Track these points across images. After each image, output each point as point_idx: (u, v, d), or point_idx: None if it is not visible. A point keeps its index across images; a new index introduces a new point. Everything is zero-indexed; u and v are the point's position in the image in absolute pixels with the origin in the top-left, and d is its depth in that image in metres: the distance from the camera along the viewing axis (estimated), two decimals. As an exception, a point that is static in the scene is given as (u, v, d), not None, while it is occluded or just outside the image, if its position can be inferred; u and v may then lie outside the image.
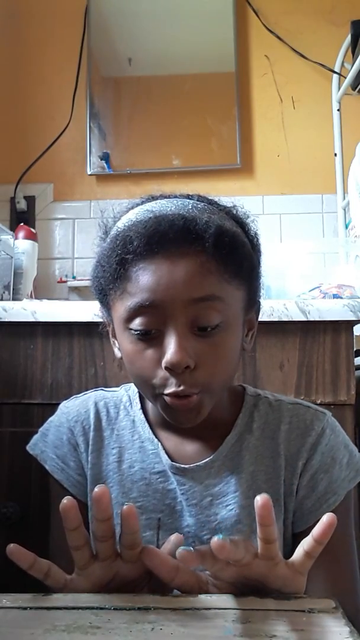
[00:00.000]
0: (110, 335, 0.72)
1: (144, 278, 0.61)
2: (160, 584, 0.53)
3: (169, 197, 0.68)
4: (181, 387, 0.60)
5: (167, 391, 0.61)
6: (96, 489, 0.50)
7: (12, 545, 0.50)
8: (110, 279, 0.64)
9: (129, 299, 0.62)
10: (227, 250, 0.61)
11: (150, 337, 0.62)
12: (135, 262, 0.61)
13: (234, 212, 0.68)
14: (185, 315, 0.60)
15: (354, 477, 0.70)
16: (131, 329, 0.62)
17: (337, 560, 0.67)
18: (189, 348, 0.60)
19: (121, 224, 0.66)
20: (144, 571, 0.53)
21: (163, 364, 0.60)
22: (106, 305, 0.68)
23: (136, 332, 0.62)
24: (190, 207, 0.64)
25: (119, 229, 0.65)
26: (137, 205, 0.68)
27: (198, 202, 0.66)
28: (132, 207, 0.68)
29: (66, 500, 0.50)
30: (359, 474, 0.71)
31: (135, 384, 0.70)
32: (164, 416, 0.66)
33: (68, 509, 0.50)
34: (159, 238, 0.60)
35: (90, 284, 0.70)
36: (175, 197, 0.68)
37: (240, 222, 0.68)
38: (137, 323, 0.62)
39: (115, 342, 0.70)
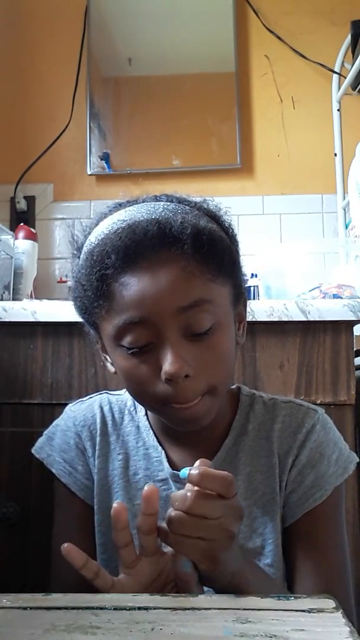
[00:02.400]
0: (101, 352, 0.70)
1: (128, 293, 0.59)
2: (187, 591, 0.55)
3: (136, 201, 0.66)
4: (184, 395, 0.60)
5: (171, 401, 0.60)
6: (146, 488, 0.55)
7: (67, 545, 0.53)
8: (92, 297, 0.61)
9: (116, 317, 0.60)
10: (206, 249, 0.60)
11: (144, 351, 0.60)
12: (116, 277, 0.59)
13: (205, 206, 0.67)
14: (176, 324, 0.59)
15: (342, 474, 0.70)
16: (123, 346, 0.61)
17: (326, 555, 0.68)
18: (186, 355, 0.59)
19: (94, 238, 0.64)
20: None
21: (162, 376, 0.59)
22: (92, 324, 0.66)
23: (129, 349, 0.61)
24: (161, 210, 0.62)
25: (92, 244, 0.63)
26: (106, 215, 0.66)
27: (168, 203, 0.64)
28: (101, 219, 0.66)
29: (117, 504, 0.55)
30: (347, 471, 0.71)
31: (134, 398, 0.69)
32: (170, 425, 0.66)
33: (120, 512, 0.55)
34: (136, 247, 0.59)
35: (73, 305, 0.67)
36: (144, 200, 0.66)
37: (214, 216, 0.66)
38: (128, 340, 0.60)
39: (107, 357, 0.68)
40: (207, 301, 0.60)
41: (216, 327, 0.61)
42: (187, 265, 0.59)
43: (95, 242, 0.63)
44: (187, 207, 0.65)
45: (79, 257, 0.66)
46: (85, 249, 0.65)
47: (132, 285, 0.59)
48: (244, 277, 0.70)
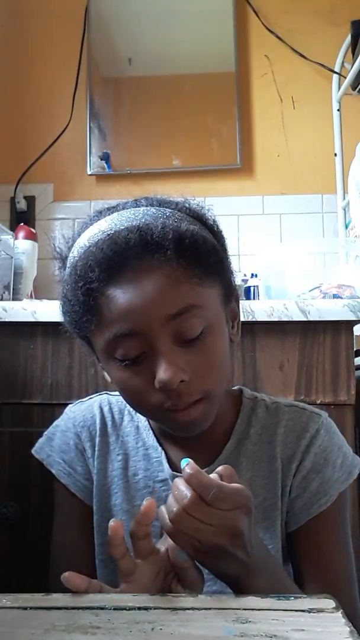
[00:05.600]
0: (97, 362, 0.69)
1: (115, 306, 0.58)
2: (189, 578, 0.56)
3: (116, 208, 0.65)
4: (181, 399, 0.59)
5: (166, 406, 0.60)
6: (145, 502, 0.56)
7: (67, 573, 0.52)
8: (81, 312, 0.61)
9: (105, 331, 0.60)
10: (190, 253, 0.59)
11: (138, 362, 0.60)
12: (102, 290, 0.59)
13: (187, 205, 0.66)
14: (167, 332, 0.58)
15: (347, 479, 0.70)
16: (116, 358, 0.61)
17: (331, 561, 0.67)
18: (180, 362, 0.58)
19: (76, 251, 0.63)
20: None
21: (156, 384, 0.58)
22: (84, 338, 0.66)
23: (122, 362, 0.60)
24: (141, 216, 0.61)
25: (75, 258, 0.62)
26: (87, 225, 0.65)
27: (148, 208, 0.63)
28: (82, 229, 0.65)
29: (113, 522, 0.55)
30: (351, 476, 0.71)
31: (132, 408, 0.69)
32: (170, 431, 0.66)
33: (117, 530, 0.55)
34: (119, 258, 0.58)
35: (63, 320, 0.67)
36: (124, 207, 0.65)
37: (196, 215, 0.65)
38: (120, 353, 0.60)
39: (103, 367, 0.68)
40: (196, 306, 0.59)
41: (208, 331, 0.60)
42: (172, 271, 0.58)
43: (78, 256, 0.62)
44: (168, 210, 0.63)
45: (63, 270, 0.66)
46: (68, 262, 0.64)
47: (119, 298, 0.58)
48: (233, 273, 0.69)
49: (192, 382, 0.59)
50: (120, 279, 0.58)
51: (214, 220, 0.67)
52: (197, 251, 0.60)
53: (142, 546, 0.57)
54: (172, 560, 0.56)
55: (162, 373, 0.57)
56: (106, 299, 0.59)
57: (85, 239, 0.63)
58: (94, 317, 0.60)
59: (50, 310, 1.07)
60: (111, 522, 0.56)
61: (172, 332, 0.59)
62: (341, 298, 1.20)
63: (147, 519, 0.56)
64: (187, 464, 0.54)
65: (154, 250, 0.58)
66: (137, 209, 0.64)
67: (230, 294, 0.68)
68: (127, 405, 0.76)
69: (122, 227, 0.60)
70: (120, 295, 0.58)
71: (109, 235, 0.60)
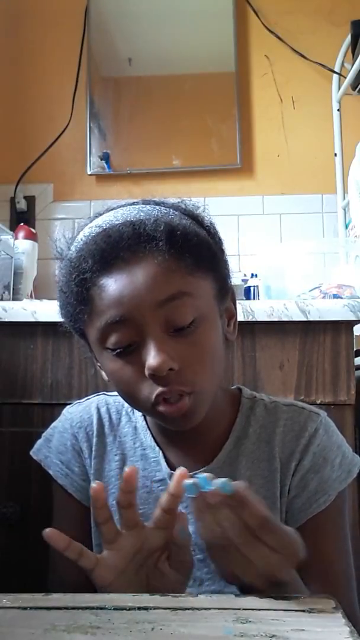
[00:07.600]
0: (95, 361, 0.70)
1: (107, 294, 0.59)
2: (179, 558, 0.57)
3: (114, 209, 0.67)
4: (168, 387, 0.59)
5: (155, 394, 0.60)
6: (126, 469, 0.57)
7: (49, 530, 0.54)
8: (74, 303, 0.62)
9: (97, 320, 0.61)
10: (181, 244, 0.60)
11: (130, 352, 0.60)
12: (94, 280, 0.60)
13: (183, 206, 0.67)
14: (157, 319, 0.59)
15: (346, 478, 0.70)
16: (108, 348, 0.61)
17: (330, 561, 0.67)
18: (170, 351, 0.58)
19: (73, 247, 0.65)
20: (166, 542, 0.58)
21: (146, 372, 0.59)
22: (79, 331, 0.67)
23: (114, 350, 0.61)
24: (136, 212, 0.63)
25: (71, 252, 0.64)
26: (85, 225, 0.67)
27: (144, 206, 0.65)
28: (81, 228, 0.67)
29: (95, 484, 0.57)
30: (351, 474, 0.71)
31: (125, 401, 0.69)
32: (164, 425, 0.66)
33: (98, 491, 0.57)
34: (111, 250, 0.59)
35: (59, 314, 0.68)
36: (121, 206, 0.67)
37: (191, 215, 0.66)
38: (112, 341, 0.60)
39: (100, 366, 0.68)
40: (187, 294, 0.60)
41: (199, 321, 0.61)
42: (163, 261, 0.59)
43: (74, 250, 0.64)
44: (163, 208, 0.65)
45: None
46: (66, 257, 0.66)
47: (110, 286, 0.59)
48: (230, 272, 0.69)
49: (181, 373, 0.59)
50: (112, 269, 0.60)
51: (210, 222, 0.68)
52: (188, 243, 0.61)
53: (127, 516, 0.57)
54: (174, 535, 0.57)
55: (152, 359, 0.58)
56: (98, 289, 0.60)
57: (82, 235, 0.65)
58: (86, 307, 0.61)
59: (50, 310, 1.07)
60: (93, 484, 0.57)
61: (162, 319, 0.59)
62: (341, 298, 1.20)
63: (129, 485, 0.56)
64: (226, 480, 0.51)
65: (145, 241, 0.59)
66: (133, 206, 0.66)
67: (226, 291, 0.68)
68: (125, 405, 0.76)
69: (117, 222, 0.62)
70: (112, 284, 0.59)
71: (103, 229, 0.62)
